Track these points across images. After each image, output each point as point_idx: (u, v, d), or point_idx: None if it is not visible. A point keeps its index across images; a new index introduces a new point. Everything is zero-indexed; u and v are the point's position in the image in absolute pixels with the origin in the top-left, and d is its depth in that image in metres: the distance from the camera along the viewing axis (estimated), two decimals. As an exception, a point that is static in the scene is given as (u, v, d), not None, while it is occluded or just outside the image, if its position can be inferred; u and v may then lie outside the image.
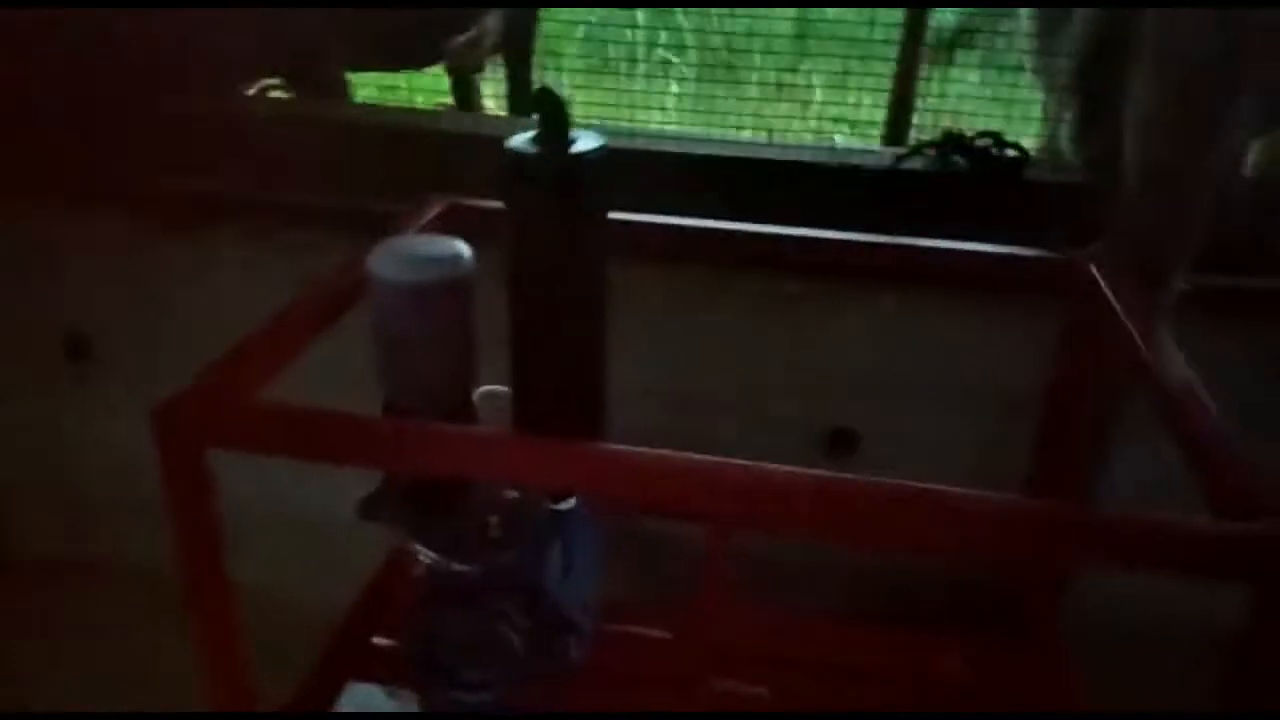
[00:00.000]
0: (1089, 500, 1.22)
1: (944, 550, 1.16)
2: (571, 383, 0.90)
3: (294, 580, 1.43)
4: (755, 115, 4.83)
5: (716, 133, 4.74)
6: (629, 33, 5.34)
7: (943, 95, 4.48)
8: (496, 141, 0.83)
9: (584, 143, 0.81)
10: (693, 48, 5.27)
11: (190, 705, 0.88)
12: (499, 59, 3.17)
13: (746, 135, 4.79)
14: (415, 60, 3.11)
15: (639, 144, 1.92)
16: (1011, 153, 1.95)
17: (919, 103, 4.48)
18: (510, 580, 0.95)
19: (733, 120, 4.83)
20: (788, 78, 5.13)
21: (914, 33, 4.29)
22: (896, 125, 4.58)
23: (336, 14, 2.12)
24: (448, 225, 1.11)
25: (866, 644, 1.23)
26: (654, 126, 4.87)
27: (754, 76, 5.07)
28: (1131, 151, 1.27)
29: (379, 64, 3.05)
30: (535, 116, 0.80)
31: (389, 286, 0.88)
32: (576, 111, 4.71)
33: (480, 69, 3.27)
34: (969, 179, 1.88)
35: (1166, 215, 1.21)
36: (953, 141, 1.96)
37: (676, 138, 2.05)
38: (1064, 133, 1.99)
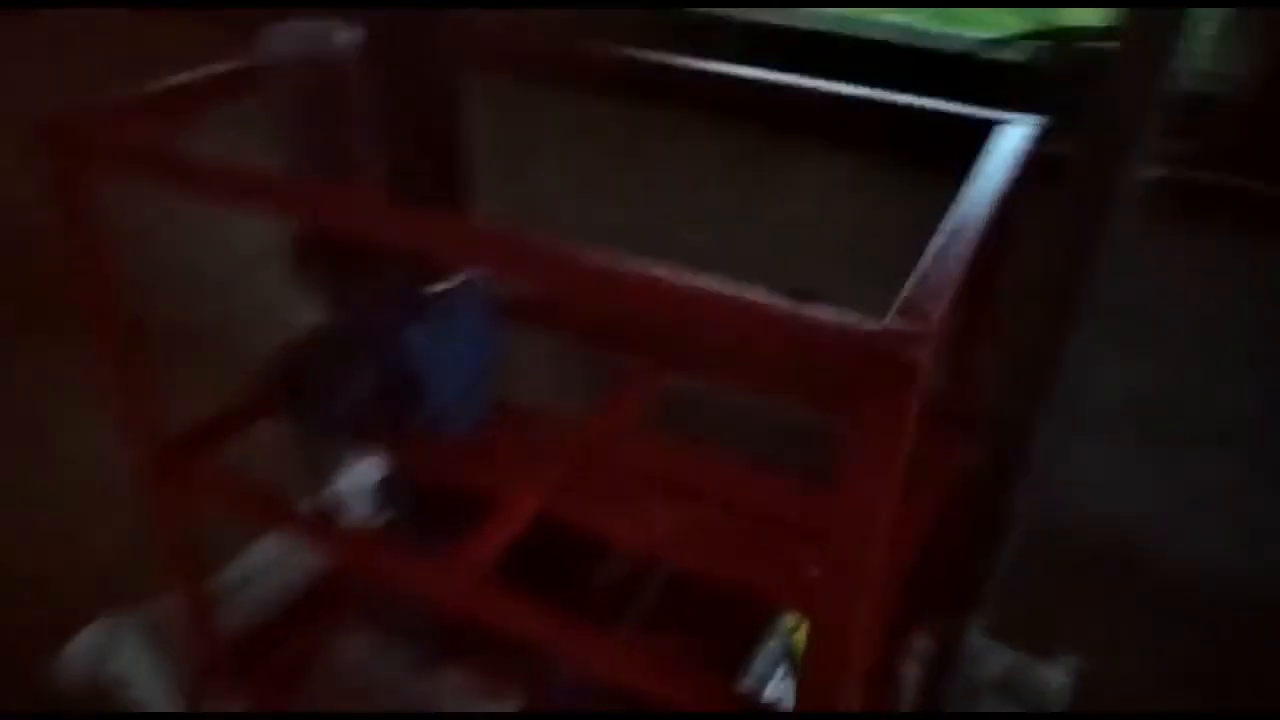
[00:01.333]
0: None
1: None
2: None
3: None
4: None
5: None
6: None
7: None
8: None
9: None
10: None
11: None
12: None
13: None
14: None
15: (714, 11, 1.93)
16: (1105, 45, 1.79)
17: None
18: (378, 339, 1.08)
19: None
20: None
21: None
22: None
23: None
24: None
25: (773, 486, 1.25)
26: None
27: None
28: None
29: None
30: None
31: (276, 61, 1.01)
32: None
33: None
34: (1049, 72, 1.78)
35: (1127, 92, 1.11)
36: (1045, 34, 1.83)
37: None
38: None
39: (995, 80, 1.74)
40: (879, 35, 1.91)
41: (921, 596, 1.40)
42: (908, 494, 0.65)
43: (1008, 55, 1.79)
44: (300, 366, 1.07)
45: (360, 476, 1.35)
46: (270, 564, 1.45)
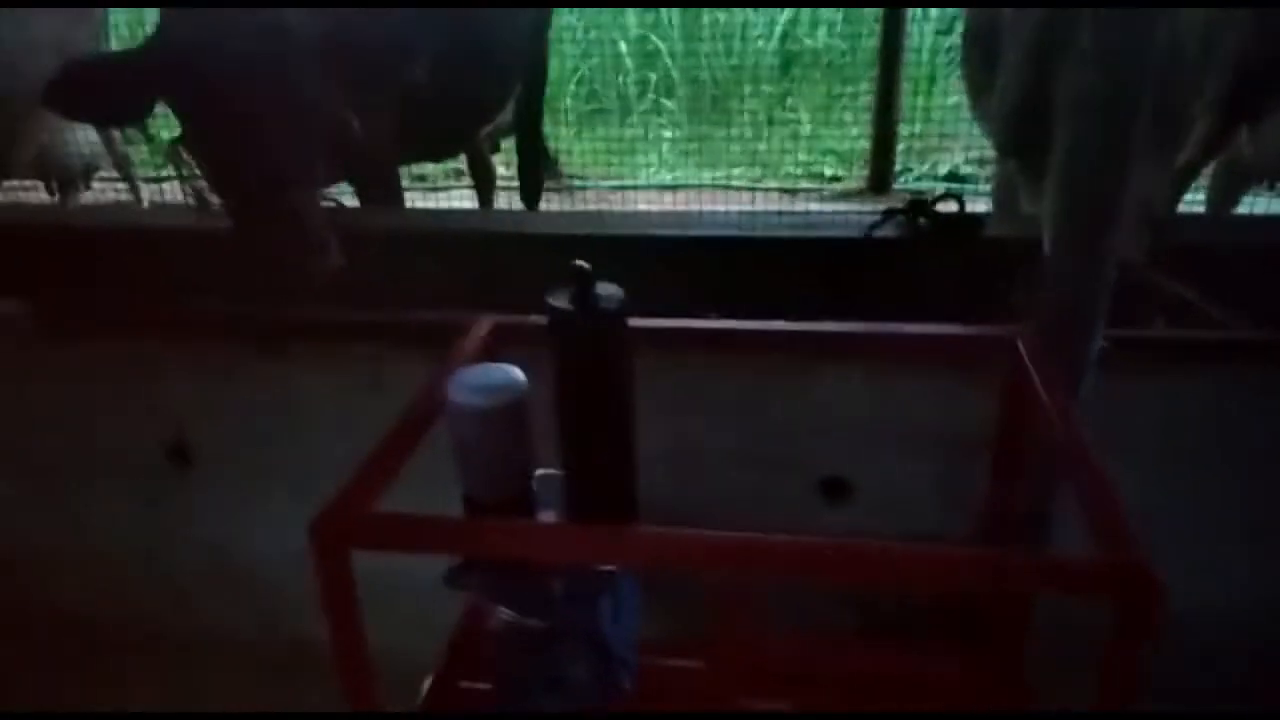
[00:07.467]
0: (1035, 541, 1.43)
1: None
2: (610, 473, 1.18)
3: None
4: (745, 151, 5.15)
5: (708, 174, 5.03)
6: (620, 78, 5.66)
7: (927, 121, 4.78)
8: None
9: (606, 299, 1.09)
10: (683, 85, 5.56)
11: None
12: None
13: (738, 172, 5.09)
14: (448, 152, 3.33)
15: (626, 229, 2.19)
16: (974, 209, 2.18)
17: (903, 129, 4.78)
18: (574, 629, 1.22)
19: (724, 158, 5.14)
20: (776, 112, 5.45)
21: (891, 58, 4.59)
22: (881, 156, 4.87)
23: (394, 114, 2.21)
24: (497, 340, 1.41)
25: (871, 656, 1.51)
26: (650, 171, 5.19)
27: (744, 113, 5.40)
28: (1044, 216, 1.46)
29: (415, 158, 3.28)
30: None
31: (463, 411, 1.16)
32: (575, 160, 4.99)
33: (496, 148, 3.53)
34: (933, 240, 2.11)
35: (1070, 286, 1.42)
36: (917, 207, 2.16)
37: (660, 223, 2.33)
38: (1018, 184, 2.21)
39: (886, 254, 2.08)
40: (777, 234, 2.20)
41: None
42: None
43: (889, 232, 2.13)
44: (520, 677, 1.19)
45: None
46: None
